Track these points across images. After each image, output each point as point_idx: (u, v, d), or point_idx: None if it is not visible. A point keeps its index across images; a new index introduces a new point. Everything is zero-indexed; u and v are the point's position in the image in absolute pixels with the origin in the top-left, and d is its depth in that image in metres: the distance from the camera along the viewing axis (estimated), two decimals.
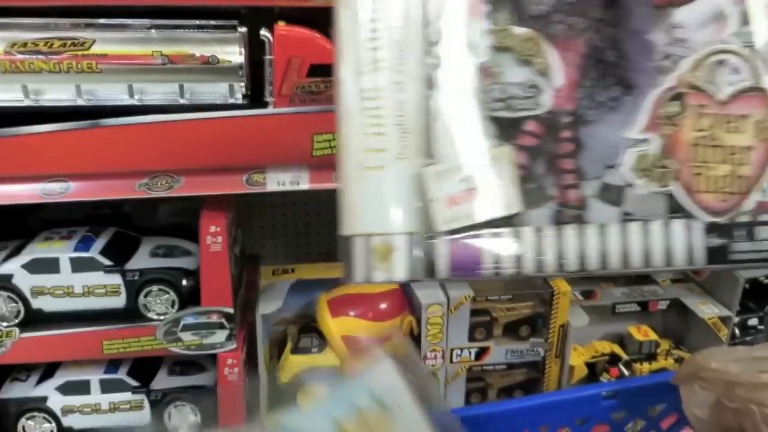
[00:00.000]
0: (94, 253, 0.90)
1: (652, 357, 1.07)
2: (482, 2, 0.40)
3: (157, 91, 0.88)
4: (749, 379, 1.02)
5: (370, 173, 0.40)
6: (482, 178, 0.40)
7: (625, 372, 1.03)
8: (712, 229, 0.40)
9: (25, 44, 0.83)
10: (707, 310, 1.07)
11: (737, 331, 1.13)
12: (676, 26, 0.43)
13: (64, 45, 0.84)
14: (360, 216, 0.40)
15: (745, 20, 0.40)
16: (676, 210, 0.40)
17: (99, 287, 0.90)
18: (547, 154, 0.42)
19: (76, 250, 0.90)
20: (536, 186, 0.42)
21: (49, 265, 0.88)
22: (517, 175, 0.41)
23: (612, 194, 0.42)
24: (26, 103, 0.84)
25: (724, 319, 1.07)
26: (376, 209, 0.40)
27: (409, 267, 0.40)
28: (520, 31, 0.41)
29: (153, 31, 0.89)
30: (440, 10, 0.40)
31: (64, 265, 0.88)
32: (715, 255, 0.40)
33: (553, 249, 0.40)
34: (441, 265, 0.40)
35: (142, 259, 0.93)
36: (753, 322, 1.13)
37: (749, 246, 0.41)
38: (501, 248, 0.41)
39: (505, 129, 0.41)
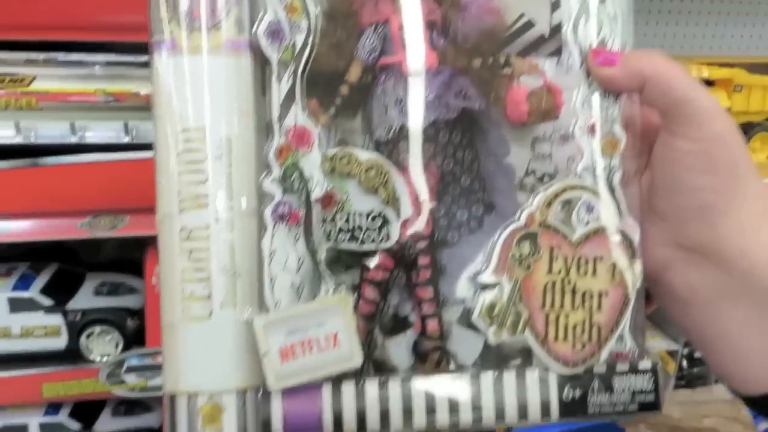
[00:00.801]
0: (33, 292, 0.91)
1: None
2: (315, 129, 0.38)
3: (101, 129, 0.90)
4: (692, 424, 1.01)
5: (193, 324, 0.37)
6: (320, 327, 0.38)
7: None
8: (567, 380, 0.40)
9: None
10: (655, 344, 1.07)
11: (685, 363, 1.12)
12: (538, 140, 0.42)
13: (2, 81, 0.85)
14: (183, 372, 0.37)
15: (596, 154, 0.40)
16: (529, 360, 0.40)
17: (39, 328, 0.91)
18: (401, 286, 0.42)
19: (14, 289, 0.89)
20: (389, 320, 0.42)
21: None
22: (360, 323, 0.39)
23: None
24: None
25: (672, 353, 1.07)
26: (202, 364, 0.37)
27: (241, 430, 0.38)
28: (364, 157, 0.39)
29: (97, 68, 0.90)
30: (271, 142, 0.38)
31: (2, 305, 0.87)
32: (571, 408, 0.39)
33: (399, 404, 0.40)
34: (276, 426, 0.38)
35: (85, 298, 0.94)
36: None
37: (607, 398, 0.40)
38: (343, 405, 0.39)
39: (351, 264, 0.40)
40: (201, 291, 0.36)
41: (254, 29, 0.37)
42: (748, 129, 1.01)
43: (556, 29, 0.43)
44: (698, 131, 0.37)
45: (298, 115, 0.38)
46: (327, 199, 0.39)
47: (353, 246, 0.40)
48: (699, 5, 1.35)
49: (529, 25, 0.44)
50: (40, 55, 0.88)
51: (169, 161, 0.36)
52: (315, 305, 0.38)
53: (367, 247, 0.40)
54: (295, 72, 0.37)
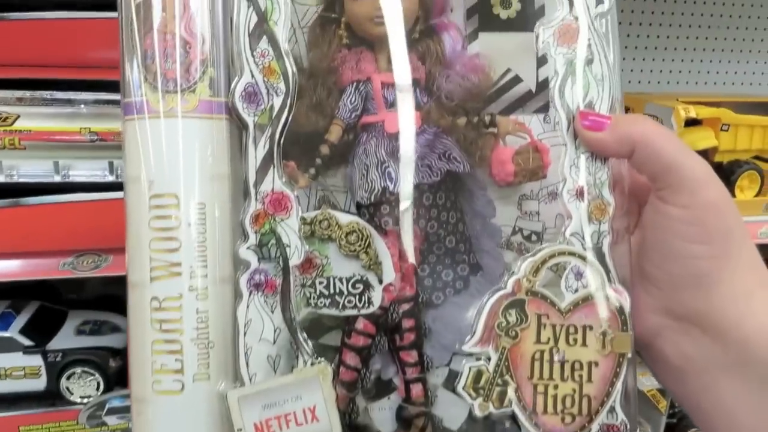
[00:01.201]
0: (13, 332, 0.89)
1: None
2: (292, 194, 0.36)
3: (85, 168, 0.88)
4: None
5: (164, 398, 0.34)
6: (297, 400, 0.35)
7: None
8: None
9: None
10: (647, 381, 1.05)
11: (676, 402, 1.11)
12: (525, 198, 0.41)
13: None
14: None
15: (585, 219, 0.38)
16: (516, 425, 0.38)
17: (17, 369, 0.88)
18: (384, 351, 0.40)
19: None
20: (372, 385, 0.40)
21: None
22: (340, 391, 0.37)
23: None
24: None
25: (663, 391, 1.05)
26: None
27: None
28: (345, 220, 0.37)
29: (83, 106, 0.88)
30: (247, 207, 0.36)
31: None
32: None
33: None
34: None
35: (66, 338, 0.92)
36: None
37: None
38: None
39: (331, 326, 0.38)
40: (172, 364, 0.34)
41: (230, 91, 0.36)
42: (735, 167, 1.00)
43: (543, 84, 0.42)
44: (690, 199, 0.36)
45: (275, 181, 0.36)
46: (306, 263, 0.37)
47: (334, 311, 0.38)
48: (684, 42, 1.35)
49: (515, 80, 0.43)
50: (26, 93, 0.87)
51: (140, 228, 0.34)
52: (292, 378, 0.36)
53: (349, 312, 0.38)
54: (272, 136, 0.36)
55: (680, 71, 1.38)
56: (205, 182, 0.35)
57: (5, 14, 0.85)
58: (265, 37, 0.36)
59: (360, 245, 0.37)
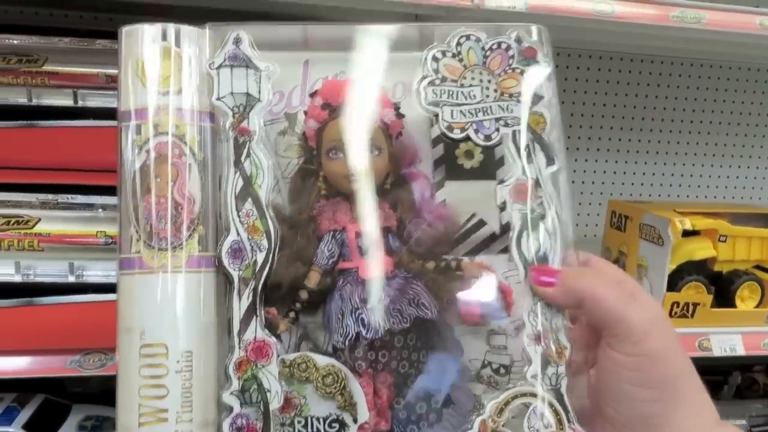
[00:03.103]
0: (16, 427, 0.88)
1: None
2: (273, 341, 0.38)
3: (99, 269, 0.90)
4: None
5: None
6: None
7: None
8: None
9: None
10: None
11: None
12: (493, 333, 0.43)
13: (8, 223, 0.86)
14: None
15: (544, 362, 0.39)
16: None
17: None
18: None
19: None
20: None
21: None
22: None
23: None
24: None
25: None
26: None
27: None
28: (322, 363, 0.38)
29: (100, 211, 0.91)
30: (231, 355, 0.37)
31: None
32: None
33: None
34: None
35: None
36: None
37: None
38: None
39: None
40: None
41: (218, 248, 0.38)
42: (735, 278, 0.97)
43: (506, 227, 0.44)
44: (633, 348, 0.37)
45: (257, 330, 0.38)
46: (285, 404, 0.38)
47: None
48: (685, 147, 1.36)
49: (480, 224, 0.45)
50: (49, 197, 0.89)
51: (131, 376, 0.36)
52: None
53: None
54: (255, 289, 0.38)
55: (681, 175, 1.36)
56: (192, 332, 0.37)
57: (35, 122, 0.88)
58: (249, 198, 0.38)
59: (335, 387, 0.39)
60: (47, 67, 0.86)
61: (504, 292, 0.43)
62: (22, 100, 0.86)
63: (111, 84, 0.88)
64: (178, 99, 0.38)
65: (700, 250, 0.97)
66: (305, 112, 0.43)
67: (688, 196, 1.39)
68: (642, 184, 1.35)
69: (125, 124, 0.38)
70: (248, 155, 0.39)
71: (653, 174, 1.36)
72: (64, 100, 0.88)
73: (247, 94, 0.39)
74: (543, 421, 0.39)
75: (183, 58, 0.38)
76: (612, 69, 1.29)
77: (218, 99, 0.39)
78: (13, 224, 0.88)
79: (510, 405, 0.39)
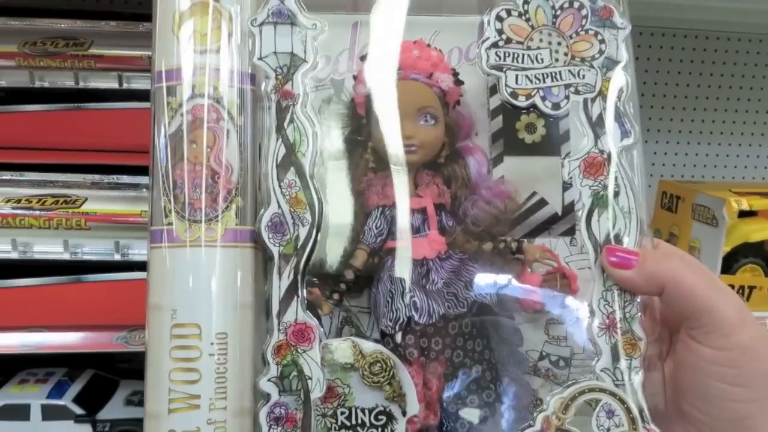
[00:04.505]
0: (66, 400, 0.87)
1: None
2: (315, 324, 0.33)
3: (143, 247, 0.88)
4: None
5: None
6: None
7: None
8: None
9: (19, 200, 0.85)
10: None
11: None
12: (553, 323, 0.37)
13: (57, 202, 0.85)
14: None
15: (615, 354, 0.34)
16: None
17: None
18: None
19: (49, 396, 0.86)
20: None
21: (20, 412, 0.84)
22: None
23: None
24: (13, 255, 0.85)
25: None
26: None
27: None
28: (369, 349, 0.34)
29: (145, 191, 0.89)
30: (269, 338, 0.33)
31: (35, 412, 0.84)
32: None
33: None
34: None
35: (115, 408, 0.89)
36: None
37: None
38: None
39: None
40: None
41: (257, 221, 0.34)
42: None
43: (569, 207, 0.38)
44: (723, 341, 0.32)
45: (298, 311, 0.33)
46: (328, 392, 0.34)
47: None
48: (741, 127, 1.27)
49: (541, 203, 0.40)
50: (96, 177, 0.88)
51: (161, 358, 0.32)
52: None
53: None
54: (296, 266, 0.33)
55: (737, 156, 1.29)
56: (228, 312, 0.33)
57: (82, 104, 0.87)
58: (292, 168, 0.34)
59: (384, 376, 0.34)
60: (93, 51, 0.84)
61: (568, 278, 0.37)
62: (70, 83, 0.84)
63: None
64: (217, 58, 0.34)
65: (757, 231, 0.89)
66: (354, 77, 0.38)
67: (743, 178, 1.29)
68: (695, 165, 1.26)
69: (158, 85, 0.34)
70: (291, 121, 0.34)
71: (706, 155, 1.26)
72: (109, 83, 0.86)
73: (292, 54, 0.35)
74: (613, 419, 0.33)
75: (223, 14, 0.34)
76: (661, 45, 1.20)
77: (260, 59, 0.35)
78: (62, 203, 0.87)
79: (577, 401, 0.34)
